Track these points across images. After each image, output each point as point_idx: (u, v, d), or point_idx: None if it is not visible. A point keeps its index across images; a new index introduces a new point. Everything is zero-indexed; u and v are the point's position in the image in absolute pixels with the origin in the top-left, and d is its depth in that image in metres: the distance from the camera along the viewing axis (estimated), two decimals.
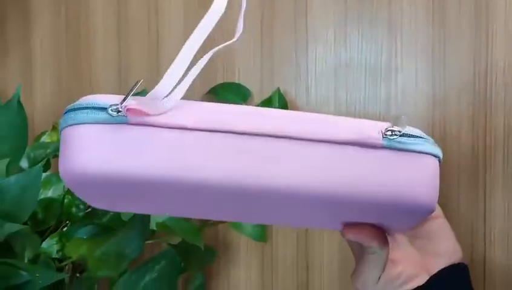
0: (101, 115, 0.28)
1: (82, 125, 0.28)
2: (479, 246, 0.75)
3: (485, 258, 0.75)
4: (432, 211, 0.33)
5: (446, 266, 0.43)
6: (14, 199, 0.55)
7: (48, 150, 0.70)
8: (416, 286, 0.42)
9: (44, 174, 0.71)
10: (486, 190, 0.76)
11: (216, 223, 0.81)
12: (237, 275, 0.85)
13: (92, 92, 0.88)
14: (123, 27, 0.88)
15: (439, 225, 0.45)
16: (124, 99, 0.28)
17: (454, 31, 0.77)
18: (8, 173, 0.57)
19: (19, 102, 0.57)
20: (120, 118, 0.28)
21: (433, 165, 0.33)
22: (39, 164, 0.58)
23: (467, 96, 0.76)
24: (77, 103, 0.29)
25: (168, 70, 0.30)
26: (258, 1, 0.83)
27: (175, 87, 0.30)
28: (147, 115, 0.28)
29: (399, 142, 0.32)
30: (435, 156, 0.33)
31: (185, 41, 0.30)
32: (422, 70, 0.78)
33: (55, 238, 0.61)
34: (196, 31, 0.31)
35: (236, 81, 0.83)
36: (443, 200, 0.76)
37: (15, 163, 0.58)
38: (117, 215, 0.70)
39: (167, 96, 0.29)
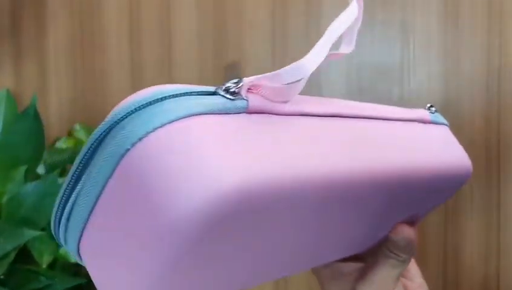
0: (217, 100, 0.20)
1: (194, 117, 0.18)
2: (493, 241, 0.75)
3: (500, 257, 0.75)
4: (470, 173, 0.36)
5: None
6: (32, 205, 0.57)
7: (64, 156, 0.71)
8: None
9: (60, 180, 0.73)
10: (501, 188, 0.75)
11: None
12: None
13: (105, 96, 0.90)
14: (135, 30, 0.89)
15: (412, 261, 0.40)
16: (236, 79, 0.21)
17: (467, 31, 0.76)
18: (26, 179, 0.58)
19: (35, 111, 0.58)
20: (239, 103, 0.20)
21: (450, 133, 0.38)
22: (55, 171, 0.59)
23: (480, 95, 0.76)
24: (147, 95, 0.18)
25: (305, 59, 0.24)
26: (270, 3, 0.83)
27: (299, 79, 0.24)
28: (271, 100, 0.22)
29: (436, 116, 0.37)
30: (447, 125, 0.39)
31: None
32: (435, 69, 0.77)
33: None
34: (329, 31, 0.26)
35: None
36: (456, 199, 0.76)
37: (32, 170, 0.60)
38: None
39: (291, 83, 0.24)
